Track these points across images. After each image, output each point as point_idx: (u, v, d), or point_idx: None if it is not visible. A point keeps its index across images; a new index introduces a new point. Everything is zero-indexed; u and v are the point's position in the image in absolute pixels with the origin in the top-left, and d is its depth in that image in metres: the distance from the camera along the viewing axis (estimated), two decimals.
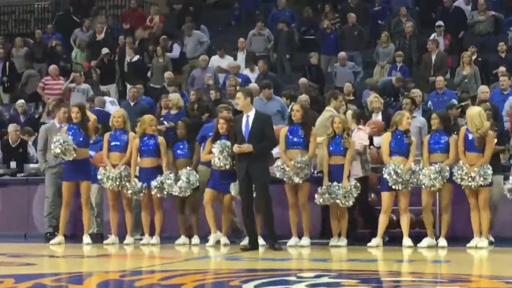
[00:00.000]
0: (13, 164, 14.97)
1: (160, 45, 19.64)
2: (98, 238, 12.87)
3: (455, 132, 11.60)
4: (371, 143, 12.94)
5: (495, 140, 11.40)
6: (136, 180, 12.08)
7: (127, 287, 8.02)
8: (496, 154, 11.65)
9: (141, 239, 12.37)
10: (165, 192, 12.02)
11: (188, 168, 12.04)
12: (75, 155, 12.12)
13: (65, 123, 12.90)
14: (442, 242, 11.32)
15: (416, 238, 11.45)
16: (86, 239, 12.27)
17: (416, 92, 15.13)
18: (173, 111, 15.27)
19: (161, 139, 12.32)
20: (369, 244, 11.36)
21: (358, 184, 11.46)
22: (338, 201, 11.36)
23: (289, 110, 12.51)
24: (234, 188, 11.60)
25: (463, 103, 14.34)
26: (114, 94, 19.27)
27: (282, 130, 11.78)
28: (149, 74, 19.44)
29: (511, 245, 11.81)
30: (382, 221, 11.44)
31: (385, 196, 11.41)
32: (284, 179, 11.48)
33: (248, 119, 11.29)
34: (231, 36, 21.22)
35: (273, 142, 11.41)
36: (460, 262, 10.18)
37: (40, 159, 13.50)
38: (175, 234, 12.32)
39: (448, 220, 11.38)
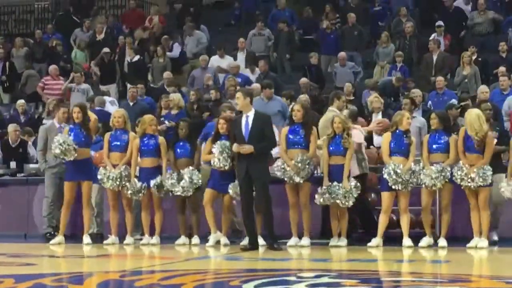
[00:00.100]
0: (13, 164, 14.95)
1: (161, 44, 19.65)
2: (98, 238, 12.85)
3: (455, 132, 11.60)
4: (371, 143, 12.94)
5: (495, 141, 11.40)
6: (136, 180, 12.08)
7: (127, 287, 8.03)
8: (497, 153, 11.64)
9: (141, 239, 12.36)
10: (164, 192, 12.02)
11: (190, 167, 12.04)
12: (75, 155, 12.12)
13: (65, 123, 12.91)
14: (442, 242, 11.31)
15: (416, 238, 11.44)
16: (86, 239, 12.26)
17: (416, 92, 15.15)
18: (174, 111, 15.27)
19: (161, 139, 12.31)
20: (369, 244, 11.36)
21: (359, 184, 11.46)
22: (338, 201, 11.35)
23: (289, 110, 12.50)
24: (232, 189, 11.60)
25: (463, 103, 14.33)
26: (114, 94, 19.27)
27: (282, 130, 11.79)
28: (149, 76, 19.45)
29: None
30: (382, 221, 11.44)
31: (385, 196, 11.41)
32: (285, 179, 11.47)
33: (247, 119, 11.28)
34: (231, 36, 21.21)
35: (273, 142, 11.40)
36: (460, 262, 10.17)
37: (40, 159, 13.50)
38: (175, 234, 12.30)
39: (448, 220, 11.37)
